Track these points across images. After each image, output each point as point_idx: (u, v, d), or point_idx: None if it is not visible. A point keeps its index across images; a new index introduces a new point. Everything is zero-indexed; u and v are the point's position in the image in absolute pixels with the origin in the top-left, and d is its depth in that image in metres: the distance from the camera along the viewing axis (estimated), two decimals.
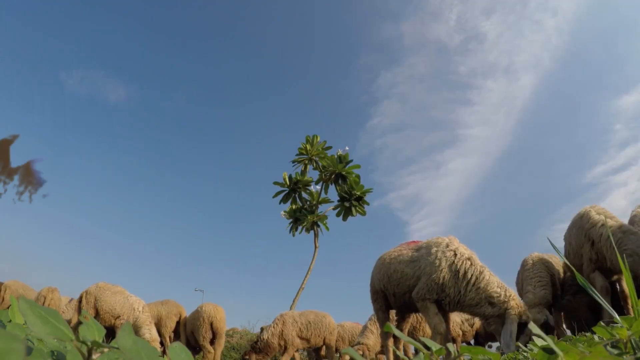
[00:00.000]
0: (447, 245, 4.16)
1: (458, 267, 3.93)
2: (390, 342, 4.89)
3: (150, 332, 6.35)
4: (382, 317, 4.92)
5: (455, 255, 4.03)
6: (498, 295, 3.76)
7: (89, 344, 0.52)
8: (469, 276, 3.88)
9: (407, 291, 4.36)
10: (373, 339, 6.68)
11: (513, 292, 3.83)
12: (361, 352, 6.08)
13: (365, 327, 6.96)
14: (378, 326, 6.29)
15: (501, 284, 3.86)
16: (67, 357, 0.53)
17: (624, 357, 0.76)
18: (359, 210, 12.36)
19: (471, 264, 3.96)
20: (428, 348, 0.75)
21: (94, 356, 0.54)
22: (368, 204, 12.42)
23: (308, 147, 12.16)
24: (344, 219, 12.50)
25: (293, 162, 12.45)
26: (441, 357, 0.74)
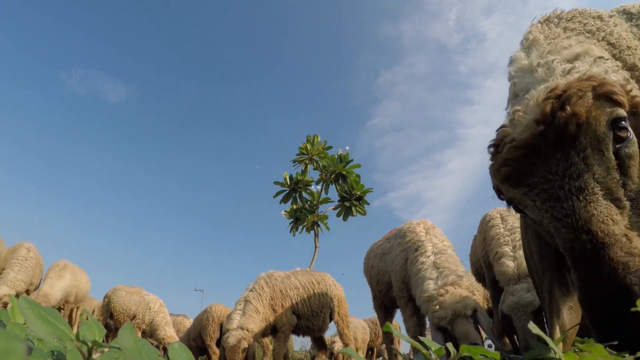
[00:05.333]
0: (405, 235, 3.49)
1: (411, 259, 3.29)
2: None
3: (165, 332, 6.42)
4: (381, 315, 4.64)
5: (411, 246, 3.37)
6: (419, 295, 2.95)
7: (89, 343, 0.52)
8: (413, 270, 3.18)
9: (389, 287, 3.83)
10: (258, 322, 4.43)
11: (435, 293, 2.83)
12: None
13: (245, 304, 4.61)
14: (264, 304, 4.53)
15: (426, 281, 2.95)
16: (67, 356, 0.54)
17: (624, 356, 0.76)
18: (359, 210, 12.36)
19: (418, 254, 3.19)
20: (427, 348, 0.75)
21: (94, 356, 0.54)
22: (368, 203, 12.43)
23: (308, 146, 12.16)
24: (344, 218, 12.49)
25: (293, 161, 12.45)
26: (441, 357, 0.73)
